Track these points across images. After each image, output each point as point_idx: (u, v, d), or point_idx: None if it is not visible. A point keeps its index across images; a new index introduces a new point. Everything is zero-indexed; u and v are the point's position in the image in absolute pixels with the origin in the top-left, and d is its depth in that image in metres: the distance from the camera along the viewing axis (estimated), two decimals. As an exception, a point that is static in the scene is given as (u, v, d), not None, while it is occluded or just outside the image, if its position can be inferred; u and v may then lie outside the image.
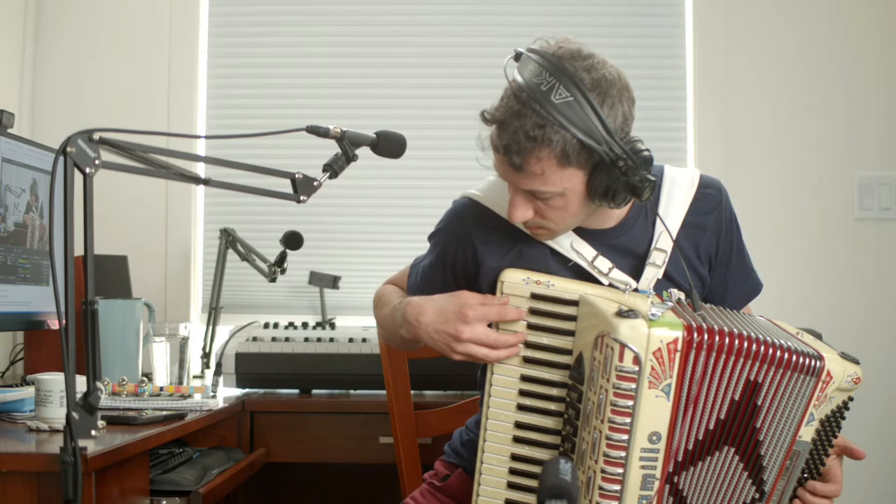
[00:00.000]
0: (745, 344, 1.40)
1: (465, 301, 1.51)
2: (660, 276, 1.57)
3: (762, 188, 2.86)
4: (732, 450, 1.45)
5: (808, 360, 1.43)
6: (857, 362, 1.49)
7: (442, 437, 2.03)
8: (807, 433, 1.47)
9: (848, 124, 2.86)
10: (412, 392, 2.10)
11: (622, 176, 1.42)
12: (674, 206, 1.60)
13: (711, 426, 1.43)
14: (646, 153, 1.43)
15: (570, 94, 1.39)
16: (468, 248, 1.63)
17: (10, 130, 2.04)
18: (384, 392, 2.10)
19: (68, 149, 1.24)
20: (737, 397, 1.43)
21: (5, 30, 2.78)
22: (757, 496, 1.49)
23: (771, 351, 1.41)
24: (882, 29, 2.88)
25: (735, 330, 1.41)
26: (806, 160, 2.87)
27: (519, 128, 1.40)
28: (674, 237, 1.58)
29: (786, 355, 1.42)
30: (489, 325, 1.51)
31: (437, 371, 2.19)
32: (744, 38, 2.89)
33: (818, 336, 1.61)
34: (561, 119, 1.38)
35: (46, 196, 2.17)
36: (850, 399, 1.51)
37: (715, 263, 1.67)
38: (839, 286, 2.84)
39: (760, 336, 1.42)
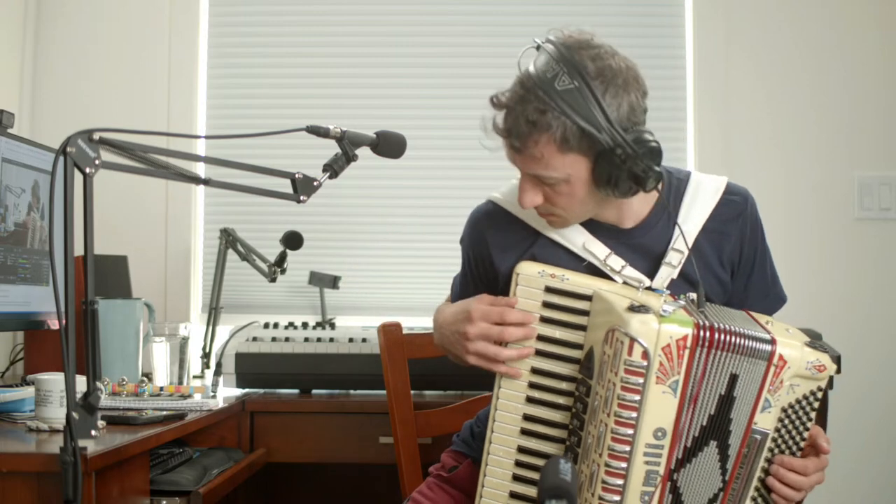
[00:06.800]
0: (735, 339, 1.42)
1: (472, 301, 1.55)
2: (674, 275, 1.57)
3: (762, 188, 2.82)
4: (715, 443, 1.46)
5: (757, 344, 1.43)
6: (825, 351, 1.47)
7: (442, 437, 2.03)
8: (764, 420, 1.46)
9: (848, 124, 2.86)
10: (412, 392, 2.10)
11: (623, 164, 1.44)
12: (696, 210, 1.61)
13: (704, 422, 1.44)
14: (653, 144, 1.45)
15: (574, 82, 1.43)
16: (484, 254, 1.67)
17: (10, 130, 2.04)
18: (384, 392, 2.10)
19: (68, 149, 1.25)
20: (723, 392, 1.44)
21: (5, 30, 2.78)
22: (721, 486, 1.49)
23: (735, 339, 1.42)
24: (882, 29, 2.88)
25: (729, 326, 1.42)
26: (806, 160, 2.87)
27: (521, 112, 1.45)
28: (691, 239, 1.58)
29: (739, 340, 1.42)
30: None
31: (437, 371, 2.19)
32: (744, 38, 2.89)
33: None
34: (562, 105, 1.42)
35: (47, 197, 2.17)
36: (820, 389, 1.48)
37: (738, 271, 1.66)
38: (839, 286, 2.84)
39: (738, 328, 1.43)
